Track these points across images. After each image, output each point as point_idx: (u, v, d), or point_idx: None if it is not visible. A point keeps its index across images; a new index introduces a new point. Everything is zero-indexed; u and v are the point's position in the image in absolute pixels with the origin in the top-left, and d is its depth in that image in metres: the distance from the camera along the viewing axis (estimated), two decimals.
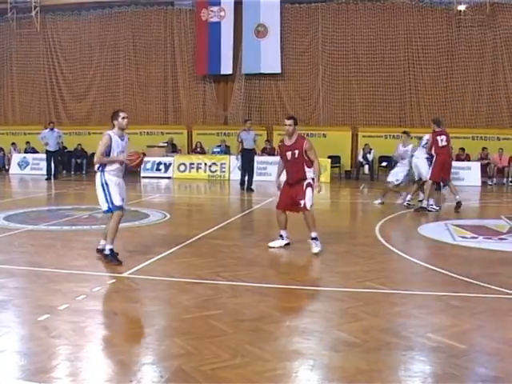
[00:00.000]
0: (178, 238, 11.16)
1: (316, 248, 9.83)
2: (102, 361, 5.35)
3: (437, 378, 5.09)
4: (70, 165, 29.10)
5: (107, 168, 9.04)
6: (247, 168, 20.79)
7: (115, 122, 8.96)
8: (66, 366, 5.15)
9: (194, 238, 11.07)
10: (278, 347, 5.68)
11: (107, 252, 9.03)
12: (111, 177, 9.05)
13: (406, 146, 16.92)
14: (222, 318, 6.45)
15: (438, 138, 15.62)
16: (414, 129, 26.95)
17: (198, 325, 6.26)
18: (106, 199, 9.01)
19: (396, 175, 16.83)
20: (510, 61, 26.92)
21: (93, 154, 28.97)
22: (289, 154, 9.99)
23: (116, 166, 9.06)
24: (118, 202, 9.05)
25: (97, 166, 9.07)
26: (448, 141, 15.83)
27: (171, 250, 10.03)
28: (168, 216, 14.22)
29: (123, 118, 8.99)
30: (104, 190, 9.00)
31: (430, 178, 15.51)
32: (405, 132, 17.56)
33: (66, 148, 29.15)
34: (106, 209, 9.09)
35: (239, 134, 21.01)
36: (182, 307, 6.86)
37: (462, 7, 26.31)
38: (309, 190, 9.93)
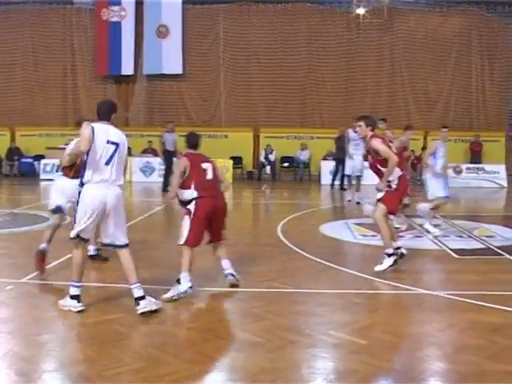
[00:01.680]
0: None
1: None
2: (1, 370, 5.18)
3: (339, 373, 5.21)
4: None
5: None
6: (169, 170, 20.46)
7: None
8: None
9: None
10: (181, 349, 5.69)
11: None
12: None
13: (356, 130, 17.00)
14: (124, 322, 6.39)
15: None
16: (314, 129, 27.54)
17: (100, 329, 6.18)
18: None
19: None
20: (407, 64, 27.88)
21: None
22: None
23: None
24: None
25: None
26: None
27: (71, 254, 9.82)
28: (68, 219, 13.90)
29: None
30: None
31: None
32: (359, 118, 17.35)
33: None
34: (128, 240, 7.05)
35: (162, 135, 20.85)
36: (83, 312, 6.74)
37: (360, 11, 26.98)
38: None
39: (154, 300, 6.73)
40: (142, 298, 6.66)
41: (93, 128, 6.73)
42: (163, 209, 16.20)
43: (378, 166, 8.69)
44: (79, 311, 6.65)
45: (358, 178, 17.70)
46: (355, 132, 16.90)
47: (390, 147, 8.81)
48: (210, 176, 7.72)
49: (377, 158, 8.66)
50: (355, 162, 17.66)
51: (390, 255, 8.71)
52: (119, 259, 6.86)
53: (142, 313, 6.55)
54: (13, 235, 11.93)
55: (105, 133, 6.79)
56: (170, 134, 20.47)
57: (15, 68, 29.27)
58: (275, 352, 5.60)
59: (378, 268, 8.65)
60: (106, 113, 7.03)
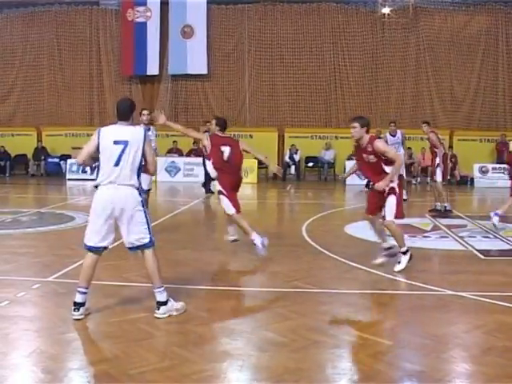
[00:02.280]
0: None
1: None
2: (28, 368, 5.23)
3: (363, 374, 5.18)
4: None
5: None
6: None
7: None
8: None
9: (119, 241, 10.91)
10: (206, 349, 5.69)
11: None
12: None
13: (394, 135, 17.95)
14: (149, 321, 6.41)
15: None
16: (339, 129, 27.45)
17: (125, 328, 6.21)
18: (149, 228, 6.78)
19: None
20: (432, 63, 27.67)
21: (16, 156, 28.49)
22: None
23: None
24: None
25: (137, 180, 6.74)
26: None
27: None
28: None
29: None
30: (146, 214, 6.78)
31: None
32: (392, 122, 18.39)
33: None
34: (149, 241, 6.77)
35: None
36: (108, 311, 6.78)
37: (386, 10, 26.85)
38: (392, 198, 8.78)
39: (176, 306, 6.66)
40: (164, 303, 6.57)
41: (99, 132, 6.77)
42: (188, 209, 16.24)
43: (383, 166, 8.65)
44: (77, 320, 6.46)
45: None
46: (393, 136, 17.29)
47: None
48: (225, 158, 9.67)
49: (381, 159, 8.63)
50: None
51: (405, 253, 8.83)
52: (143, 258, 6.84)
53: (158, 317, 6.50)
54: (39, 234, 12.03)
55: (113, 133, 6.69)
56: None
57: (42, 69, 29.53)
58: (299, 352, 5.59)
59: (398, 268, 8.71)
60: (124, 112, 6.78)
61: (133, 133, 6.67)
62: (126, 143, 6.55)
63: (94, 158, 6.93)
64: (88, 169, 25.53)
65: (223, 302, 7.44)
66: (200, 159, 25.13)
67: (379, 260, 8.94)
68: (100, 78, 29.41)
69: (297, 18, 28.03)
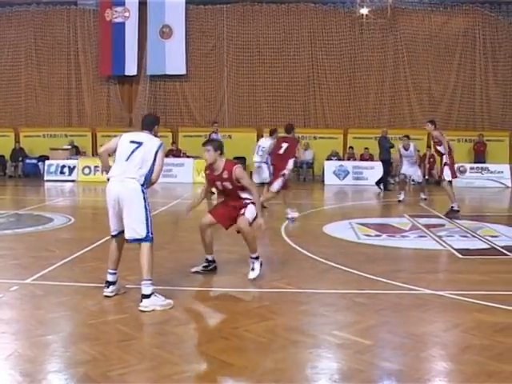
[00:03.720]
0: (83, 242, 10.97)
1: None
2: (6, 371, 5.17)
3: (343, 374, 5.19)
4: None
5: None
6: None
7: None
8: None
9: (98, 242, 10.88)
10: (185, 350, 5.69)
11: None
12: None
13: (407, 148, 18.70)
14: (128, 323, 6.39)
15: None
16: (317, 130, 27.55)
17: (104, 330, 6.19)
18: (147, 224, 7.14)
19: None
20: (410, 63, 27.86)
21: None
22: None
23: None
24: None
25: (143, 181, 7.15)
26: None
27: (76, 255, 9.85)
28: (72, 220, 13.98)
29: None
30: (146, 210, 7.14)
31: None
32: (406, 136, 19.17)
33: None
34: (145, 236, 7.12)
35: (209, 135, 21.00)
36: (87, 312, 6.76)
37: (364, 11, 26.96)
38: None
39: (161, 302, 6.86)
40: (147, 296, 6.84)
41: (121, 135, 7.44)
42: (167, 210, 16.22)
43: (239, 193, 8.38)
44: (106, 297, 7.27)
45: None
46: (406, 150, 18.07)
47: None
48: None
49: (237, 186, 8.34)
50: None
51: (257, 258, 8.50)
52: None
53: (142, 310, 6.76)
54: (17, 236, 11.95)
55: (132, 136, 7.36)
56: (216, 135, 20.53)
57: (19, 69, 29.32)
58: (279, 352, 5.60)
59: (252, 275, 8.37)
60: (147, 123, 7.55)
61: (150, 139, 7.30)
62: (140, 144, 7.17)
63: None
64: (66, 170, 25.43)
65: (202, 302, 7.44)
66: (179, 159, 25.25)
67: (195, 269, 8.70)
68: (78, 78, 29.23)
69: (275, 18, 28.05)
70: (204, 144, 8.37)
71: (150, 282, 6.91)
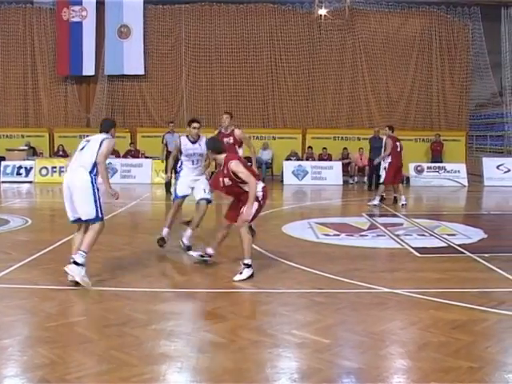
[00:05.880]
0: (41, 243, 10.82)
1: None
2: None
3: (303, 373, 5.22)
4: None
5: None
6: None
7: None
8: None
9: (57, 244, 10.77)
10: (144, 351, 5.65)
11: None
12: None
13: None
14: (86, 325, 6.34)
15: (397, 143, 17.12)
16: (276, 130, 27.62)
17: (62, 333, 6.13)
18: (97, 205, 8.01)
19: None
20: (368, 64, 28.10)
21: None
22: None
23: None
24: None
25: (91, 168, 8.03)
26: (401, 147, 17.36)
27: (33, 257, 9.72)
28: (30, 222, 13.79)
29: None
30: (94, 193, 7.97)
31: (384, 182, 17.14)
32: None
33: None
34: (95, 216, 8.03)
35: (164, 136, 20.50)
36: (45, 315, 6.68)
37: (322, 11, 27.04)
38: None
39: (84, 278, 7.68)
40: (76, 263, 7.68)
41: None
42: (126, 211, 16.12)
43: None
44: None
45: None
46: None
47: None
48: None
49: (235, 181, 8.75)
50: None
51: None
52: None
53: (65, 271, 7.72)
54: None
55: (91, 136, 8.41)
56: (172, 135, 20.00)
57: None
58: (239, 352, 5.60)
59: (238, 278, 8.38)
60: (105, 126, 8.50)
61: (100, 138, 8.22)
62: (90, 140, 8.27)
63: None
64: (23, 171, 25.07)
65: (161, 303, 7.39)
66: (138, 160, 25.05)
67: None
68: (35, 78, 28.83)
69: (234, 18, 28.04)
70: (207, 147, 9.39)
71: (85, 254, 7.78)
